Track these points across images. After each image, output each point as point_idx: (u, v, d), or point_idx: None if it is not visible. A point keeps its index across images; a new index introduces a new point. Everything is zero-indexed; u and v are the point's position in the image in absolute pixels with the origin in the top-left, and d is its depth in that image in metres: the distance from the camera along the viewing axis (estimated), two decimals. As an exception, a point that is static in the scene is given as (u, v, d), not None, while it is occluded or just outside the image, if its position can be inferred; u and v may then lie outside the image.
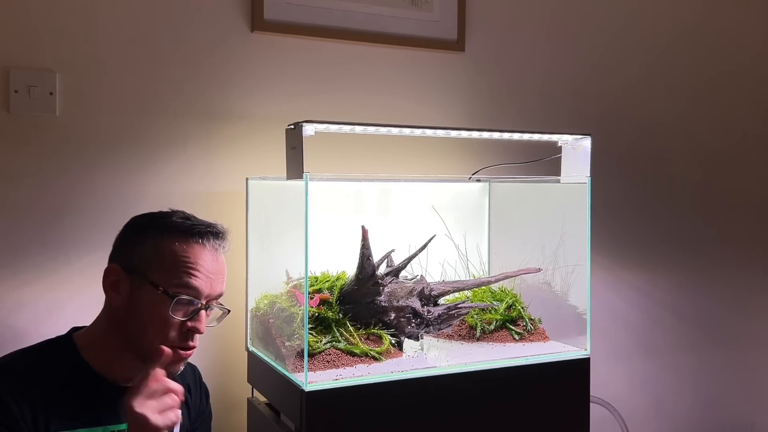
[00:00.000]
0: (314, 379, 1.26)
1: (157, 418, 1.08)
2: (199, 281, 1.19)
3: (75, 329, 1.27)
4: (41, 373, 1.17)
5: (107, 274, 1.22)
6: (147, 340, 1.18)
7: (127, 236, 1.24)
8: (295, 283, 1.44)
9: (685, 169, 2.24)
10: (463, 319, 1.55)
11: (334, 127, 1.36)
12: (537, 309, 1.63)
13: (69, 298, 1.49)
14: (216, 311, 1.26)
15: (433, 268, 1.65)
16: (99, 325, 1.24)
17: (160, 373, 1.12)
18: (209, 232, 1.23)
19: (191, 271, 1.19)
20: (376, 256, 1.44)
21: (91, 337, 1.23)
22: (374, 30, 1.76)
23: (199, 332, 1.20)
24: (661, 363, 2.20)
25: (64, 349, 1.22)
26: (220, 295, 1.25)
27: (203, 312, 1.20)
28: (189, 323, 1.19)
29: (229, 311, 1.28)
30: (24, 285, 1.47)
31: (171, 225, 1.22)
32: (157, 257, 1.19)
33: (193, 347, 1.21)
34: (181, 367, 1.22)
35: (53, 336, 1.26)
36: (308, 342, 1.29)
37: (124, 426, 1.20)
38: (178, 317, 1.18)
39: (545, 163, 1.64)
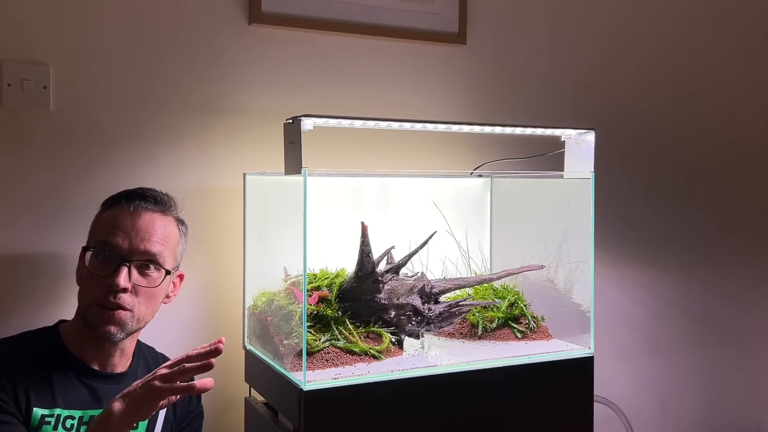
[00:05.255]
0: (313, 378, 1.25)
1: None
2: (115, 237, 1.25)
3: (62, 321, 1.33)
4: (26, 358, 1.22)
5: None
6: (80, 301, 1.26)
7: None
8: (293, 280, 1.43)
9: (691, 163, 2.22)
10: (464, 317, 1.54)
11: (333, 122, 1.35)
12: (540, 307, 1.61)
13: (64, 295, 1.46)
14: (154, 273, 1.27)
15: (434, 265, 1.63)
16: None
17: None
18: (136, 194, 1.31)
19: (108, 229, 1.27)
20: (376, 252, 1.43)
21: (71, 325, 1.30)
22: (374, 22, 1.74)
23: (117, 287, 1.22)
24: (666, 362, 2.18)
25: (49, 337, 1.28)
26: (147, 254, 1.26)
27: (124, 268, 1.23)
28: (108, 278, 1.22)
29: (168, 272, 1.29)
30: (17, 282, 1.46)
31: (109, 199, 1.32)
32: (91, 229, 1.31)
33: (117, 305, 1.22)
34: (113, 330, 1.23)
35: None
36: (307, 340, 1.27)
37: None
38: (95, 271, 1.24)
39: (548, 158, 1.62)
